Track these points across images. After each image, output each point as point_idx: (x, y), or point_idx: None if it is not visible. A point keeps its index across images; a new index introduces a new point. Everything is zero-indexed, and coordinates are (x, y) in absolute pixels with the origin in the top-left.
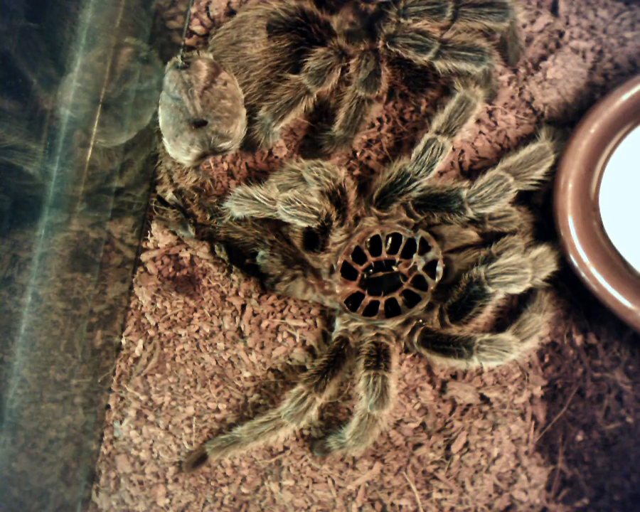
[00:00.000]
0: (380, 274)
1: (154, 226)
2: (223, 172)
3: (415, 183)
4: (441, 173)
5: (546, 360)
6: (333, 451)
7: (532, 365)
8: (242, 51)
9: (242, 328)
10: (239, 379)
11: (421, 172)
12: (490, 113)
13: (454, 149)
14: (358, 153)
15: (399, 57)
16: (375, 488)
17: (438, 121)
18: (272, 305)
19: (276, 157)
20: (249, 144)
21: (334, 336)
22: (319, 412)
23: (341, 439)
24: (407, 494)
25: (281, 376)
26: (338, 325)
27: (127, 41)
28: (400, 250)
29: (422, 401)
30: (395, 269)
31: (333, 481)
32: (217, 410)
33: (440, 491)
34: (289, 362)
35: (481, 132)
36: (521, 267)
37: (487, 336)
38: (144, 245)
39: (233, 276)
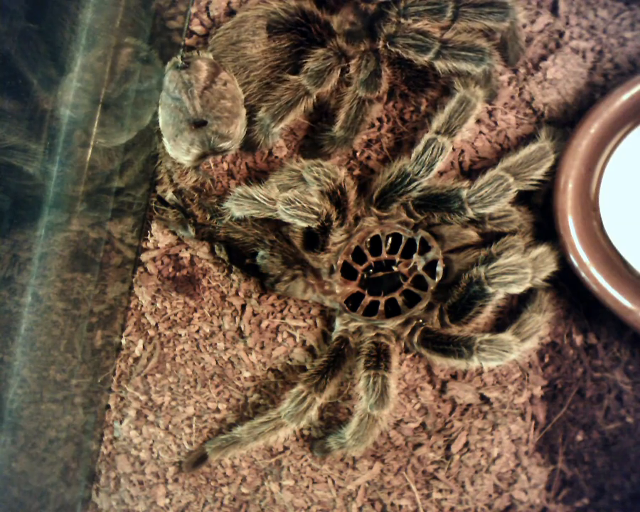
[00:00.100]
0: (380, 274)
1: (154, 226)
2: (223, 172)
3: (415, 183)
4: (441, 173)
5: (546, 360)
6: (333, 451)
7: (532, 365)
8: (242, 51)
9: (242, 328)
10: (239, 379)
11: (421, 172)
12: (490, 113)
13: (454, 149)
14: (358, 153)
15: (399, 57)
16: (375, 488)
17: (438, 121)
18: (272, 305)
19: (276, 157)
20: (249, 144)
21: (334, 335)
22: (319, 412)
23: (341, 439)
24: (407, 494)
25: (281, 376)
26: (338, 325)
27: (127, 41)
28: (400, 250)
29: (422, 401)
30: (395, 269)
31: (333, 481)
32: (217, 410)
33: (440, 491)
34: (289, 362)
35: (481, 132)
36: (521, 267)
37: (487, 336)
38: (143, 245)
39: (233, 276)
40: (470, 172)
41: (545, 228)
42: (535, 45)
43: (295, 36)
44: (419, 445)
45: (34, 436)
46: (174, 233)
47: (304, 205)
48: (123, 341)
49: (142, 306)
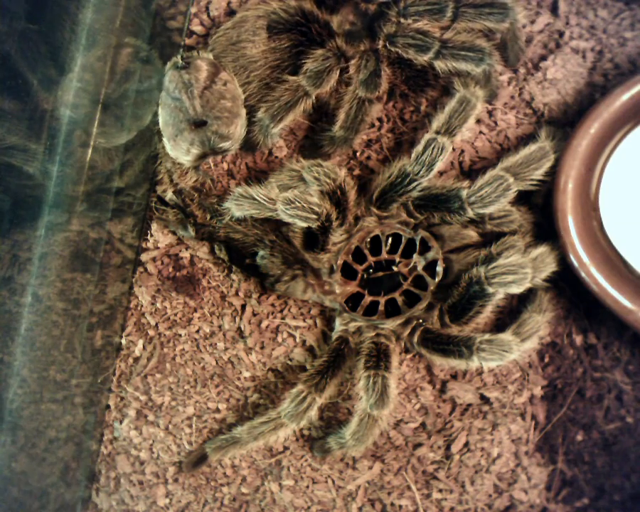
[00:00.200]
0: (380, 274)
1: (154, 226)
2: (223, 172)
3: (415, 183)
4: (441, 173)
5: (546, 360)
6: (333, 451)
7: (532, 365)
8: (242, 51)
9: (242, 328)
10: (239, 379)
11: (421, 172)
12: (490, 113)
13: (454, 149)
14: (358, 153)
15: (399, 57)
16: (375, 488)
17: (438, 121)
18: (272, 305)
19: (276, 157)
20: (249, 145)
21: (334, 335)
22: (319, 412)
23: (341, 439)
24: (407, 494)
25: (281, 376)
26: (338, 325)
27: (127, 41)
28: (400, 250)
29: (422, 401)
30: (395, 269)
31: (333, 481)
32: (217, 410)
33: (440, 491)
34: (289, 362)
35: (481, 132)
36: (521, 267)
37: (487, 336)
38: (144, 245)
39: (233, 276)
40: (470, 172)
41: (545, 228)
42: (535, 45)
43: (295, 36)
44: (419, 445)
45: (34, 436)
46: (174, 233)
47: (304, 205)
48: (123, 341)
49: (142, 306)
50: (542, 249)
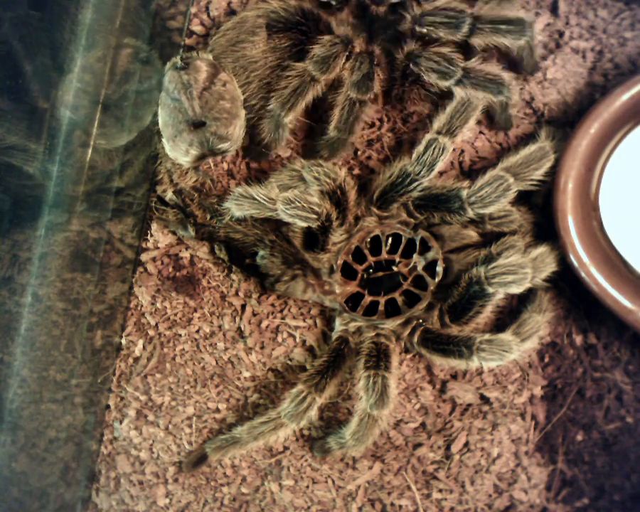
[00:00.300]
0: (380, 274)
1: (154, 226)
2: (223, 172)
3: (416, 183)
4: (441, 173)
5: (546, 360)
6: (333, 451)
7: (532, 365)
8: (242, 52)
9: (242, 328)
10: (239, 379)
11: (422, 172)
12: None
13: (454, 149)
14: (358, 153)
15: (413, 72)
16: (375, 488)
17: (439, 121)
18: (272, 305)
19: (276, 157)
20: (260, 150)
21: (334, 335)
22: (319, 412)
23: (341, 439)
24: (407, 494)
25: (281, 376)
26: (338, 325)
27: (127, 42)
28: (400, 250)
29: (422, 401)
30: (394, 269)
31: (333, 481)
32: (217, 410)
33: (440, 491)
34: (289, 362)
35: (481, 132)
36: (521, 267)
37: (487, 336)
38: (143, 245)
39: (233, 276)
40: (470, 172)
41: (545, 228)
42: (535, 45)
43: (295, 35)
44: (419, 445)
45: (34, 436)
46: (174, 233)
47: (304, 204)
48: (123, 341)
49: (142, 306)
50: (542, 249)
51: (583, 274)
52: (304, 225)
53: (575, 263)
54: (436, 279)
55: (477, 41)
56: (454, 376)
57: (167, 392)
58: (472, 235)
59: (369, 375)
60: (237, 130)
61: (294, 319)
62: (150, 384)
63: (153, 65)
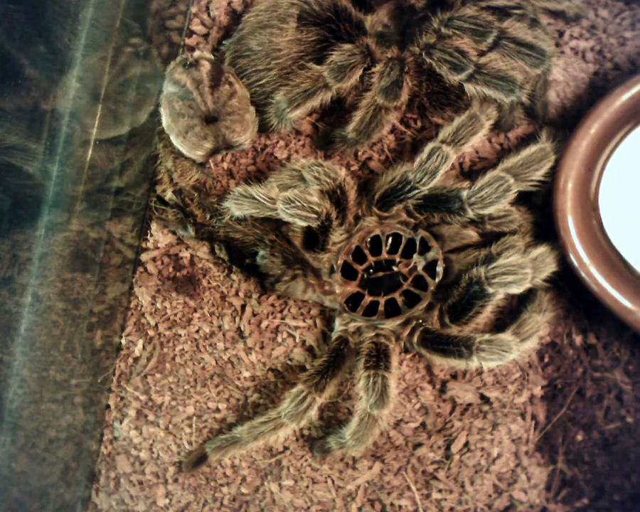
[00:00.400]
0: (380, 274)
1: (154, 226)
2: (223, 172)
3: (416, 191)
4: None
5: (546, 360)
6: (333, 451)
7: (532, 365)
8: (268, 37)
9: (242, 328)
10: (239, 379)
11: (423, 180)
12: None
13: None
14: (359, 153)
15: (430, 69)
16: (375, 488)
17: (445, 131)
18: (272, 305)
19: (276, 157)
20: (261, 127)
21: (334, 336)
22: (319, 412)
23: (341, 439)
24: (407, 494)
25: (281, 376)
26: (338, 325)
27: (127, 41)
28: (400, 250)
29: (422, 401)
30: (395, 269)
31: (333, 481)
32: (217, 410)
33: (440, 491)
34: (289, 362)
35: None
36: (521, 267)
37: (487, 336)
38: (143, 245)
39: (233, 276)
40: (470, 172)
41: (545, 228)
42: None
43: (323, 32)
44: (419, 445)
45: (34, 436)
46: (174, 233)
47: (304, 204)
48: (123, 341)
49: (142, 306)
50: (542, 249)
51: (583, 274)
52: (304, 224)
53: (575, 263)
54: (437, 279)
55: (497, 56)
56: (454, 376)
57: (167, 392)
58: (472, 235)
59: (369, 375)
60: (250, 124)
61: (293, 319)
62: (150, 384)
63: (153, 63)
